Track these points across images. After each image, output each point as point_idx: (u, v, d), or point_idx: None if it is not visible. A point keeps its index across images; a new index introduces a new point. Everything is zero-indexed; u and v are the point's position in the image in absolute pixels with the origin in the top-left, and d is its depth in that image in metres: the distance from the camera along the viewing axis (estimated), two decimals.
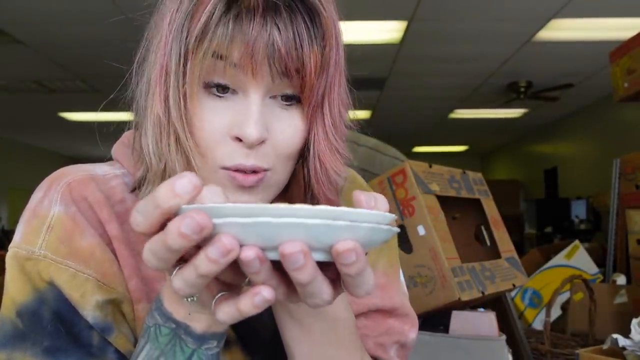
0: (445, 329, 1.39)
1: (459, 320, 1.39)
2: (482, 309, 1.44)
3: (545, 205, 8.73)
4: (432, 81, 6.30)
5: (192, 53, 0.54)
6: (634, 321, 1.42)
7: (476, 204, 1.62)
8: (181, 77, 0.55)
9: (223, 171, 0.57)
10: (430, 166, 1.47)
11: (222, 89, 0.56)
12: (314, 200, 0.63)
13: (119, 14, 4.31)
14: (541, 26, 4.59)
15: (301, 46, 0.55)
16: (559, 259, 2.41)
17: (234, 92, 0.57)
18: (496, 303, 1.73)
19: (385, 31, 4.75)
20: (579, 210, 7.60)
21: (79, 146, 11.04)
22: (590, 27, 4.62)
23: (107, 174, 0.65)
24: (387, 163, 1.85)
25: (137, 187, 0.62)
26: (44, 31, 4.68)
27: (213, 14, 0.52)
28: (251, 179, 0.57)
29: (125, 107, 0.65)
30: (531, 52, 5.21)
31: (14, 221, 10.06)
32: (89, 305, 0.58)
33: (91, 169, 0.65)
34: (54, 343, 0.57)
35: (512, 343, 1.63)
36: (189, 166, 0.55)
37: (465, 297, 1.32)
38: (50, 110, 7.70)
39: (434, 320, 1.42)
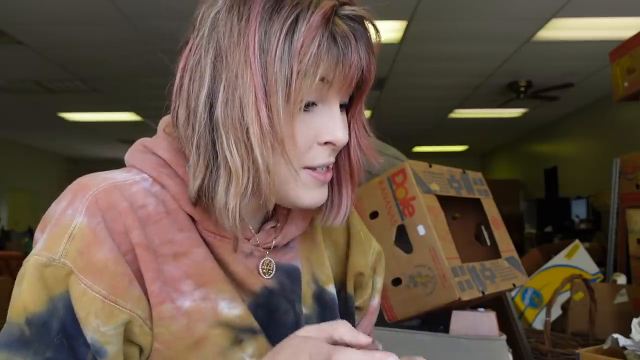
0: (445, 329, 1.39)
1: (459, 320, 1.39)
2: (482, 309, 1.44)
3: (545, 204, 8.73)
4: (432, 81, 6.30)
5: (298, 77, 0.60)
6: (635, 321, 1.42)
7: (476, 203, 1.62)
8: (284, 99, 0.60)
9: (306, 170, 0.66)
10: (430, 166, 1.47)
11: (310, 104, 0.65)
12: (340, 188, 0.73)
13: (118, 14, 4.31)
14: (541, 26, 4.59)
15: (371, 64, 0.66)
16: (559, 258, 2.41)
17: (315, 104, 0.65)
18: (496, 303, 1.73)
19: (385, 31, 4.74)
20: (579, 210, 7.60)
21: (79, 146, 11.05)
22: (590, 27, 4.62)
23: (127, 180, 0.67)
24: (387, 163, 1.85)
25: (198, 196, 0.65)
26: (44, 31, 4.67)
27: (321, 44, 0.60)
28: (328, 175, 0.68)
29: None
30: (531, 51, 5.21)
31: (14, 221, 10.06)
32: (90, 326, 0.60)
33: (111, 177, 0.68)
34: (56, 355, 0.59)
35: (513, 343, 1.63)
36: (275, 167, 0.62)
37: (465, 297, 1.32)
38: (49, 111, 7.70)
39: (434, 320, 1.42)
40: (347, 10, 0.64)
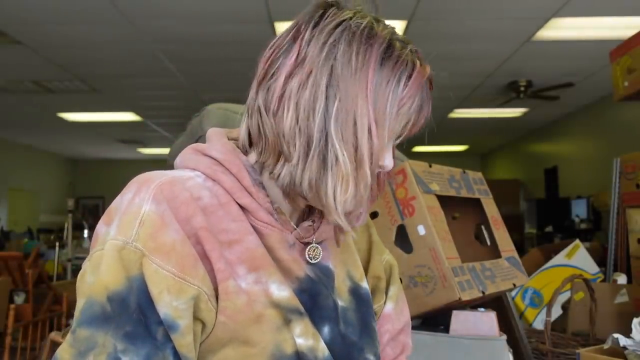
0: (446, 329, 1.39)
1: (459, 320, 1.38)
2: (482, 309, 1.44)
3: (545, 204, 8.73)
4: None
5: (397, 117, 0.73)
6: (635, 321, 1.42)
7: (476, 203, 1.62)
8: (387, 130, 0.73)
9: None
10: (430, 166, 1.46)
11: None
12: None
13: (118, 14, 4.30)
14: (541, 25, 4.59)
15: None
16: (559, 258, 2.41)
17: None
18: (496, 303, 1.73)
19: None
20: (579, 210, 7.59)
21: (78, 146, 11.04)
22: (590, 26, 4.62)
23: (183, 175, 0.75)
24: None
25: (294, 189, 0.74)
26: (43, 31, 4.67)
27: (417, 100, 0.74)
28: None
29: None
30: (531, 51, 5.21)
31: (13, 221, 10.06)
32: (163, 302, 0.66)
33: (169, 173, 0.75)
34: (134, 330, 0.65)
35: (513, 343, 1.63)
36: (361, 170, 0.72)
37: (465, 297, 1.32)
38: (49, 111, 7.70)
39: (434, 320, 1.42)
40: (431, 76, 0.77)
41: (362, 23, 0.73)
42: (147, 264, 0.66)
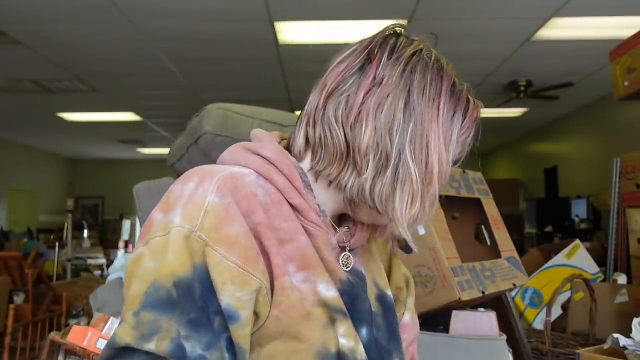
0: (446, 329, 1.39)
1: (460, 320, 1.38)
2: (482, 309, 1.44)
3: (545, 204, 8.72)
4: None
5: (457, 143, 0.81)
6: (635, 321, 1.42)
7: (476, 203, 1.61)
8: (450, 157, 0.81)
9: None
10: None
11: None
12: None
13: (118, 14, 4.30)
14: (541, 25, 4.59)
15: None
16: (559, 258, 2.40)
17: None
18: (497, 303, 1.73)
19: None
20: (579, 210, 7.59)
21: (78, 147, 11.04)
22: (590, 26, 4.62)
23: (240, 172, 0.77)
24: None
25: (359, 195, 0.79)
26: (43, 31, 4.67)
27: (472, 131, 0.83)
28: None
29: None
30: (531, 51, 5.21)
31: (13, 222, 10.05)
32: (227, 292, 0.67)
33: (227, 168, 0.77)
34: (198, 317, 0.66)
35: (513, 343, 1.63)
36: (429, 189, 0.79)
37: (465, 297, 1.32)
38: (49, 111, 7.70)
39: (434, 320, 1.41)
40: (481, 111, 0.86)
41: (432, 56, 0.82)
42: (211, 254, 0.68)
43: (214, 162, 1.79)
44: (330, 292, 0.76)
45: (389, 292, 0.91)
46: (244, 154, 0.81)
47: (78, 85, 6.30)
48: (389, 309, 0.88)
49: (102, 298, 1.79)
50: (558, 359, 1.62)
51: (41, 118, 8.16)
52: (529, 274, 1.97)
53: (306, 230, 0.78)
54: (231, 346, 0.68)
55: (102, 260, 9.01)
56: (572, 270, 2.27)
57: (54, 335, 1.52)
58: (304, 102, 0.83)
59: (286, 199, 0.77)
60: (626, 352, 1.33)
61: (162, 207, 0.73)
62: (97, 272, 8.33)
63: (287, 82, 6.31)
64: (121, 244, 11.21)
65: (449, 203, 1.50)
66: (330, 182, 0.80)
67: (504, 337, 1.40)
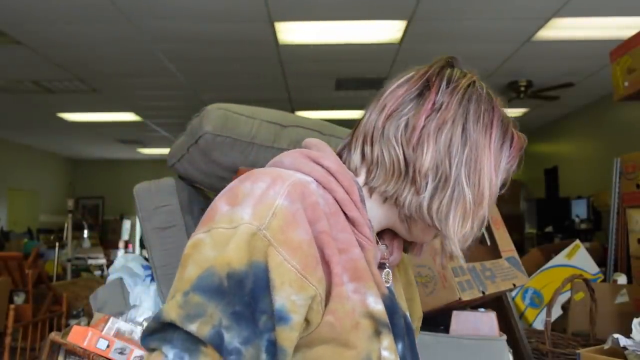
0: (446, 329, 1.39)
1: (460, 320, 1.38)
2: (482, 309, 1.44)
3: (545, 204, 8.72)
4: None
5: (504, 169, 0.87)
6: (635, 321, 1.42)
7: None
8: (499, 182, 0.87)
9: None
10: None
11: None
12: None
13: (118, 14, 4.30)
14: (541, 25, 4.59)
15: None
16: (559, 258, 2.40)
17: None
18: (497, 303, 1.73)
19: (385, 31, 4.74)
20: (579, 210, 7.59)
21: (78, 147, 11.04)
22: (590, 26, 4.62)
23: (306, 179, 0.80)
24: None
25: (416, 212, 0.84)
26: (43, 31, 4.67)
27: (517, 160, 0.90)
28: None
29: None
30: (531, 51, 5.21)
31: (13, 222, 10.05)
32: (283, 293, 0.69)
33: (292, 173, 0.79)
34: (243, 311, 0.68)
35: (513, 343, 1.63)
36: (480, 210, 0.84)
37: (465, 297, 1.32)
38: (49, 111, 7.70)
39: (435, 320, 1.41)
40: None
41: (484, 88, 0.88)
42: (273, 254, 0.70)
43: (214, 162, 1.79)
44: (378, 306, 0.79)
45: (408, 315, 0.95)
46: (305, 161, 0.83)
47: (78, 85, 6.30)
48: (409, 330, 0.91)
49: (102, 298, 1.79)
50: (558, 359, 1.62)
51: (41, 118, 8.15)
52: (529, 274, 1.97)
53: (359, 243, 0.81)
54: (271, 347, 0.69)
55: (102, 260, 9.01)
56: (572, 271, 2.27)
57: (54, 336, 1.52)
58: (361, 120, 0.88)
59: (343, 211, 0.81)
60: (626, 352, 1.33)
61: (228, 199, 0.75)
62: (97, 272, 8.33)
63: (287, 82, 6.31)
64: (121, 244, 11.22)
65: None
66: (386, 198, 0.85)
67: (504, 337, 1.40)
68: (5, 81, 6.17)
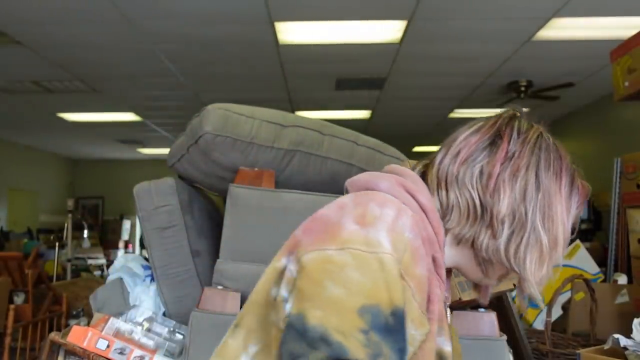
0: None
1: (460, 321, 1.38)
2: (482, 309, 1.43)
3: None
4: (432, 81, 6.30)
5: (572, 219, 0.91)
6: (636, 321, 1.42)
7: None
8: (569, 227, 0.90)
9: None
10: None
11: None
12: None
13: (118, 14, 4.30)
14: (541, 25, 4.58)
15: None
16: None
17: None
18: (497, 303, 1.73)
19: (385, 31, 4.74)
20: None
21: (78, 147, 11.04)
22: (590, 26, 4.61)
23: (419, 213, 0.82)
24: (387, 163, 1.84)
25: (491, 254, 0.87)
26: (43, 32, 4.67)
27: (580, 208, 0.92)
28: None
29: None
30: (531, 51, 5.20)
31: (13, 222, 10.05)
32: (409, 327, 0.72)
33: (403, 203, 0.81)
34: (404, 347, 0.71)
35: (513, 343, 1.62)
36: (554, 254, 0.87)
37: (465, 297, 1.31)
38: (49, 111, 7.70)
39: None
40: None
41: (550, 138, 0.92)
42: (406, 290, 0.72)
43: (214, 162, 1.78)
44: (447, 347, 0.83)
45: None
46: (401, 190, 0.84)
47: (78, 85, 6.29)
48: None
49: (102, 298, 1.79)
50: (558, 359, 1.62)
51: (41, 118, 8.15)
52: None
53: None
54: None
55: (102, 261, 9.01)
56: (572, 271, 2.27)
57: (54, 336, 1.52)
58: (430, 164, 0.92)
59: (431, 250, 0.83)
60: (626, 352, 1.33)
61: (355, 218, 0.75)
62: (97, 272, 8.33)
63: (287, 82, 6.31)
64: (121, 244, 11.22)
65: None
66: (460, 240, 0.87)
67: (504, 337, 1.40)
68: (5, 81, 6.17)
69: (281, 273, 0.78)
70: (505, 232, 0.84)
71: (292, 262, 0.76)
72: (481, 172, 0.85)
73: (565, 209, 0.87)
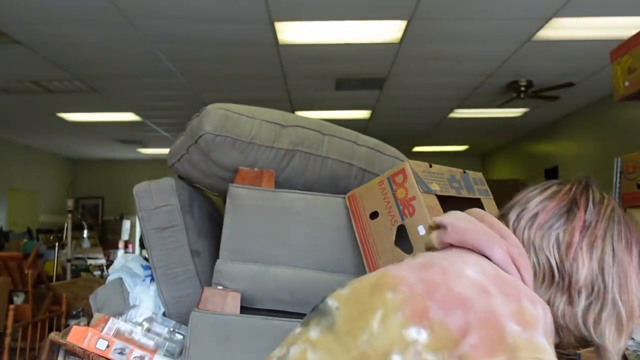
0: None
1: None
2: None
3: None
4: (432, 81, 6.30)
5: None
6: None
7: (477, 203, 1.61)
8: None
9: None
10: (431, 166, 1.46)
11: None
12: None
13: (118, 14, 4.30)
14: (541, 25, 4.58)
15: None
16: None
17: None
18: None
19: (385, 31, 4.74)
20: None
21: (78, 147, 11.04)
22: (590, 26, 4.61)
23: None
24: (387, 163, 1.84)
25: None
26: (43, 31, 4.67)
27: None
28: None
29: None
30: (531, 51, 5.20)
31: (13, 222, 10.05)
32: None
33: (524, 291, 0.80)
34: None
35: None
36: (631, 323, 0.88)
37: None
38: (48, 111, 7.70)
39: None
40: None
41: (620, 211, 0.94)
42: None
43: (214, 162, 1.78)
44: None
45: None
46: (511, 264, 0.84)
47: (78, 85, 6.29)
48: None
49: (101, 298, 1.79)
50: (559, 359, 1.62)
51: (41, 118, 8.15)
52: None
53: None
54: None
55: (102, 261, 9.01)
56: None
57: (54, 336, 1.52)
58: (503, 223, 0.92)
59: None
60: (627, 352, 1.33)
61: (513, 314, 0.73)
62: (97, 273, 8.33)
63: (287, 82, 6.31)
64: (121, 244, 11.22)
65: (449, 203, 1.49)
66: None
67: None
68: (5, 81, 6.17)
69: (407, 344, 0.73)
70: (583, 301, 0.85)
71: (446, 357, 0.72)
72: (557, 239, 0.87)
73: (637, 281, 0.89)
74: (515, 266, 0.84)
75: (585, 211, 0.90)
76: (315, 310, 0.84)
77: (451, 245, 0.88)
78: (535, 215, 0.90)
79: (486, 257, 0.84)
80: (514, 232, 0.89)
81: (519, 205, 0.93)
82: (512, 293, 0.76)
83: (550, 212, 0.90)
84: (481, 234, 0.86)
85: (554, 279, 0.86)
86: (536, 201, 0.92)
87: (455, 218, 0.90)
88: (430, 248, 0.93)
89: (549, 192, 0.93)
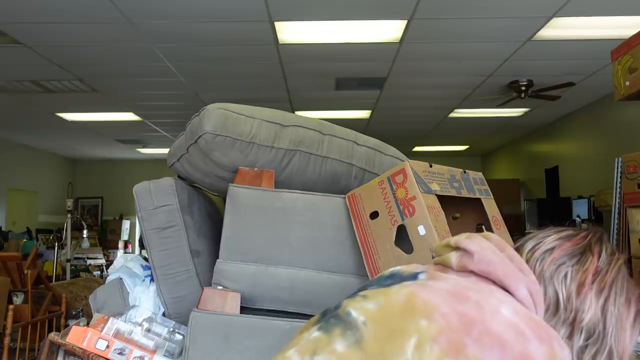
0: None
1: None
2: None
3: (546, 204, 8.71)
4: (432, 80, 6.29)
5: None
6: None
7: (477, 203, 1.61)
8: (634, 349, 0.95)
9: None
10: (431, 166, 1.46)
11: None
12: None
13: (118, 14, 4.30)
14: (542, 24, 4.58)
15: None
16: None
17: None
18: None
19: (385, 31, 4.74)
20: (580, 210, 7.58)
21: (78, 146, 11.04)
22: (591, 26, 4.61)
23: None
24: (387, 163, 1.84)
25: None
26: (43, 31, 4.67)
27: None
28: None
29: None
30: (532, 50, 5.20)
31: (12, 222, 10.05)
32: None
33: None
34: None
35: None
36: None
37: None
38: (48, 111, 7.69)
39: None
40: None
41: (625, 268, 0.98)
42: None
43: (214, 162, 1.77)
44: None
45: None
46: (531, 302, 0.87)
47: (78, 85, 6.29)
48: None
49: (101, 298, 1.78)
50: None
51: (41, 118, 8.15)
52: None
53: None
54: None
55: (102, 261, 9.01)
56: None
57: (53, 336, 1.52)
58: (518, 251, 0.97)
59: None
60: None
61: (539, 334, 0.79)
62: (97, 273, 8.33)
63: (287, 82, 6.31)
64: (120, 244, 11.22)
65: (449, 203, 1.49)
66: None
67: None
68: (5, 81, 6.17)
69: None
70: (582, 341, 0.89)
71: None
72: (566, 276, 0.91)
73: (630, 336, 0.93)
74: (533, 302, 0.87)
75: (599, 259, 0.94)
76: (335, 317, 0.83)
77: (471, 272, 0.89)
78: (551, 250, 0.95)
79: (508, 292, 0.87)
80: (527, 261, 0.93)
81: (535, 239, 0.98)
82: (545, 337, 0.79)
83: (565, 250, 0.95)
84: (509, 270, 0.88)
85: (558, 311, 0.90)
86: (553, 238, 0.97)
87: (479, 247, 0.90)
88: (441, 264, 0.93)
89: (565, 233, 0.99)
